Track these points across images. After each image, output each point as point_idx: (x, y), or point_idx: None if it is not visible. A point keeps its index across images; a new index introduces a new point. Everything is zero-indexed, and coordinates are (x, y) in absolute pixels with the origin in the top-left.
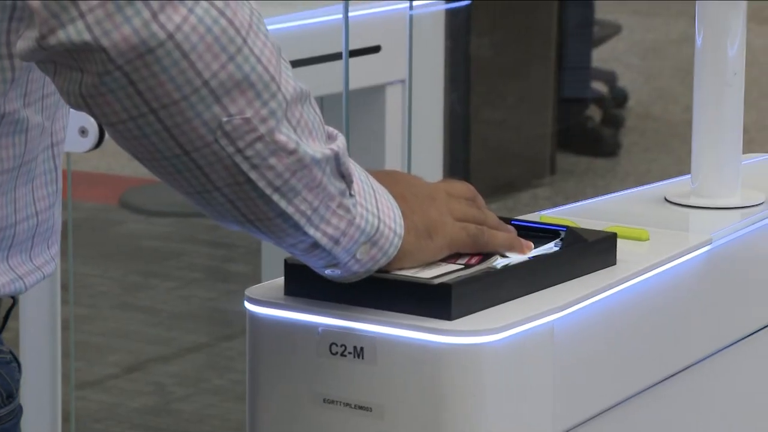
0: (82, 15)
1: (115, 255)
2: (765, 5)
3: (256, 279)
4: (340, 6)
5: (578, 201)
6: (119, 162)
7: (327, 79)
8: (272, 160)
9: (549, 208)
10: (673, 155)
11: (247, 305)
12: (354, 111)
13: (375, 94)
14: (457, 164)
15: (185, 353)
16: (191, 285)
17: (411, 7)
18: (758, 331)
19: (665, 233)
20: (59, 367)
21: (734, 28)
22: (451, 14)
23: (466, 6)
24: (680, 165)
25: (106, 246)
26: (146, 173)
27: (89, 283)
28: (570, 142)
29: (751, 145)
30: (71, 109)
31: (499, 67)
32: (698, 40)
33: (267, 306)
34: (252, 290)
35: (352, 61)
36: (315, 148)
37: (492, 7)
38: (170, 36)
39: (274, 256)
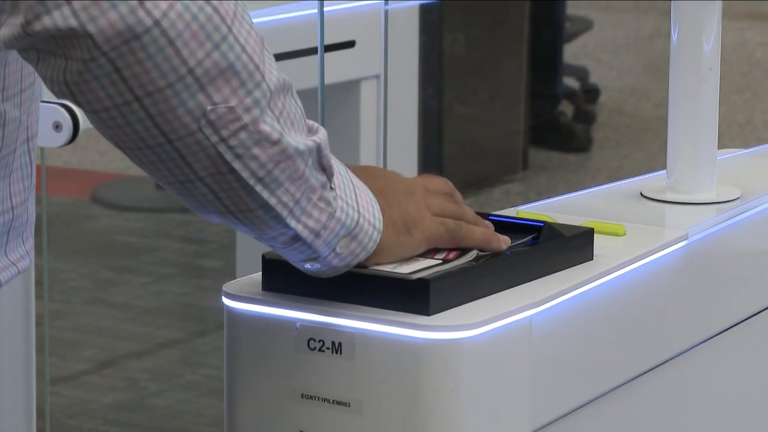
0: (68, 0)
1: (88, 250)
2: (732, 1)
3: (230, 274)
4: (315, 1)
5: (550, 196)
6: (91, 157)
7: (302, 73)
8: (256, 150)
9: (521, 203)
10: (644, 151)
11: (225, 300)
12: (329, 106)
13: (350, 89)
14: (430, 160)
15: (158, 349)
16: (164, 280)
17: (386, 2)
18: (734, 326)
19: (642, 228)
20: (33, 362)
21: (710, 24)
22: (425, 10)
23: (440, 2)
24: (652, 160)
25: (79, 241)
26: (118, 168)
27: (61, 278)
28: (542, 137)
29: (721, 139)
30: (44, 104)
31: (472, 63)
32: (674, 36)
33: (244, 301)
34: (229, 285)
35: (327, 56)
36: (298, 139)
37: (465, 2)
38: (156, 23)
39: (248, 251)
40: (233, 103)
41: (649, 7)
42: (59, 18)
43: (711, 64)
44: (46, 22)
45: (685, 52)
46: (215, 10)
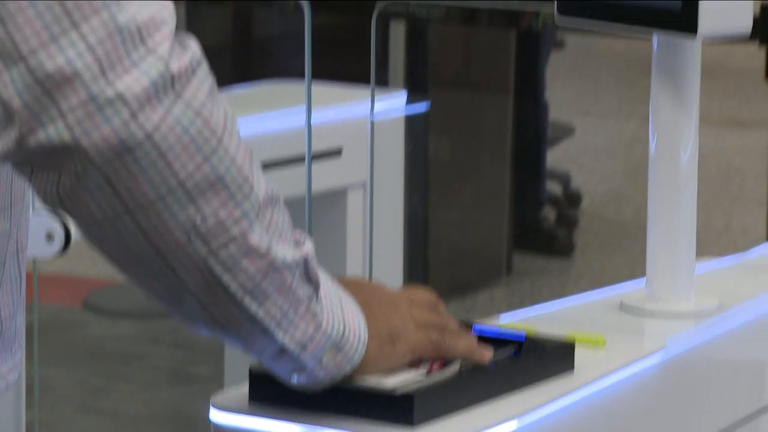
0: (62, 115)
1: (79, 357)
2: (711, 106)
3: (219, 380)
4: (302, 109)
5: (534, 302)
6: (82, 264)
7: (289, 181)
8: (244, 262)
9: (506, 309)
10: (625, 255)
11: (212, 414)
12: (316, 214)
13: (336, 197)
14: (416, 265)
15: None
16: (154, 387)
17: (372, 108)
18: None
19: (622, 339)
20: None
21: (687, 135)
22: (410, 119)
23: (425, 107)
24: (633, 265)
25: (70, 348)
26: (109, 275)
27: (53, 386)
28: (526, 242)
29: (699, 246)
30: (36, 213)
31: (457, 169)
32: (651, 146)
33: (232, 413)
34: (217, 398)
35: (314, 164)
36: (286, 251)
37: (450, 110)
38: (148, 136)
39: (236, 357)
40: (222, 215)
41: (629, 112)
42: (53, 132)
43: (689, 174)
44: (41, 136)
45: (663, 163)
46: (206, 122)
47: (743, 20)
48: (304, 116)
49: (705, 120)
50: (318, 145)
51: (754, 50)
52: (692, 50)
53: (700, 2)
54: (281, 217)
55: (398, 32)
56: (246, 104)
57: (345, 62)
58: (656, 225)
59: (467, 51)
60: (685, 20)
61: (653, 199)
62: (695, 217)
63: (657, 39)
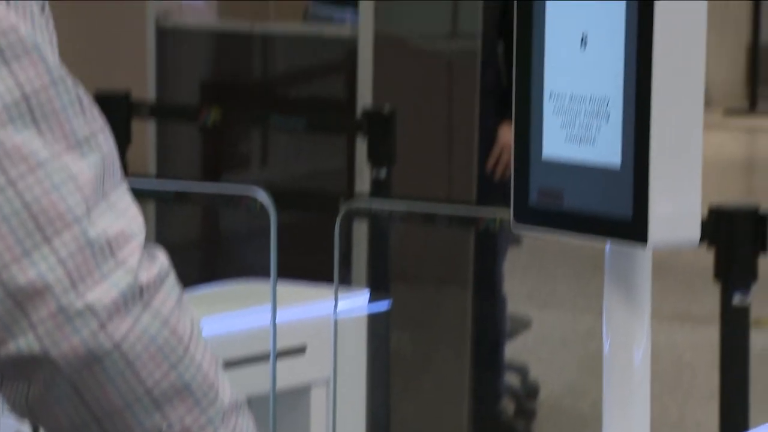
0: (32, 326)
1: None
2: (662, 303)
3: None
4: (267, 308)
5: None
6: None
7: (254, 379)
8: None
9: None
10: None
11: None
12: (280, 412)
13: (300, 394)
14: None
15: None
16: None
17: (336, 307)
18: None
19: None
20: None
21: (639, 338)
22: (372, 318)
23: (387, 305)
24: None
25: None
26: None
27: None
28: None
29: None
30: (5, 417)
31: (417, 362)
32: (606, 347)
33: None
34: None
35: (278, 362)
36: None
37: (411, 304)
38: (116, 346)
39: None
40: (188, 421)
41: (584, 307)
42: (24, 344)
43: (642, 375)
44: (11, 347)
45: (617, 364)
46: (173, 331)
47: (692, 231)
48: (269, 315)
49: (656, 315)
50: (282, 343)
51: (703, 251)
52: (643, 257)
53: (650, 214)
54: (245, 422)
55: (361, 231)
56: (212, 304)
57: (309, 259)
58: (611, 425)
59: (427, 249)
60: (635, 230)
61: (608, 399)
62: (649, 416)
63: (609, 246)
